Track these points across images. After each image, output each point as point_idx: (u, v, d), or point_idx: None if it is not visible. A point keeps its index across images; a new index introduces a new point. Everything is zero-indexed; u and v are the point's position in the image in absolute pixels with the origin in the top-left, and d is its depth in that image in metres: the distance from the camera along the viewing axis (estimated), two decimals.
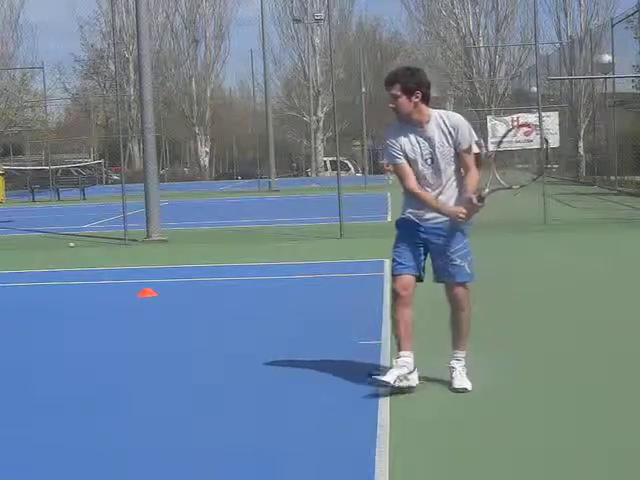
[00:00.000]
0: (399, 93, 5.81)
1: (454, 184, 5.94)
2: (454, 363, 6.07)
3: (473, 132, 5.96)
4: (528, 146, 30.01)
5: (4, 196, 37.17)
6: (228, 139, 63.89)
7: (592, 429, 5.15)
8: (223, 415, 5.69)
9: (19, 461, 4.98)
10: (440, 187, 5.92)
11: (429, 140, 5.87)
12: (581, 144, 36.21)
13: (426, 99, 5.87)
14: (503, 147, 30.43)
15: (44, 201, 35.99)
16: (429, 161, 5.89)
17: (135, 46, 43.52)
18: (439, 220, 5.91)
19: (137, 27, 18.73)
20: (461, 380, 5.99)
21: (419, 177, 5.92)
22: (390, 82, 5.87)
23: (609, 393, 5.87)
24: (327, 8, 25.23)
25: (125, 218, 17.39)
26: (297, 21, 59.23)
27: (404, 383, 5.77)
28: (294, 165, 53.84)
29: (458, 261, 5.97)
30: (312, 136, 59.11)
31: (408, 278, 5.91)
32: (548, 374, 6.36)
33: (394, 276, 5.94)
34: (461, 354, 6.12)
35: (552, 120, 29.30)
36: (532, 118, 28.25)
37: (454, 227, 5.91)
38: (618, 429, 5.13)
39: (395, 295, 5.92)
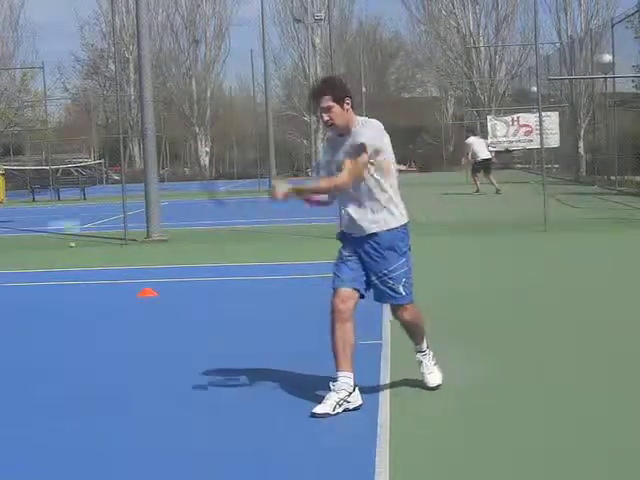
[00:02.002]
0: (332, 104, 5.52)
1: (374, 194, 5.61)
2: (419, 356, 6.00)
3: (366, 137, 5.50)
4: (529, 146, 30.09)
5: (4, 196, 37.13)
6: (228, 139, 63.85)
7: (592, 429, 5.15)
8: (223, 415, 5.69)
9: (19, 461, 4.98)
10: (359, 197, 5.63)
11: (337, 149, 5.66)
12: (581, 144, 36.19)
13: (353, 106, 5.60)
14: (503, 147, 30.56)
15: (44, 201, 35.99)
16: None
17: (135, 46, 43.50)
18: (364, 233, 5.64)
19: (137, 27, 18.72)
20: (431, 376, 5.95)
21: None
22: (318, 95, 5.58)
23: (609, 393, 5.87)
24: (327, 8, 25.22)
25: (125, 218, 17.38)
26: (297, 21, 59.18)
27: (344, 407, 5.52)
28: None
29: (391, 282, 5.65)
30: (312, 136, 59.09)
31: (346, 292, 5.62)
32: (548, 374, 6.36)
33: (333, 290, 5.69)
34: (423, 345, 6.01)
35: (552, 120, 29.34)
36: (532, 118, 28.31)
37: (387, 244, 5.61)
38: (618, 429, 5.13)
39: (332, 309, 5.64)
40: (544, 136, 20.65)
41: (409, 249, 5.73)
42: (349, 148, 5.55)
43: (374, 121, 5.68)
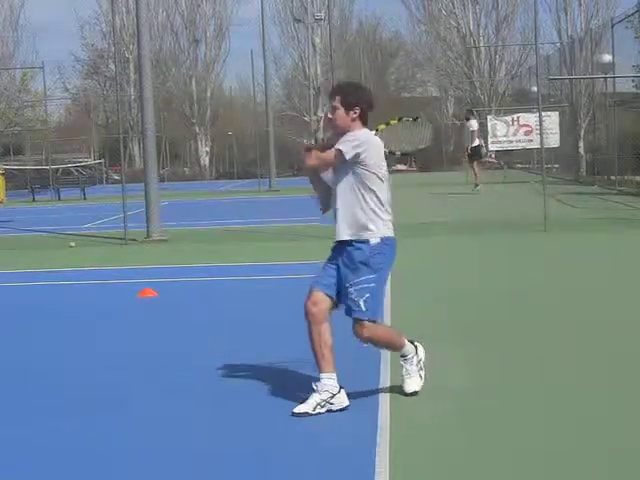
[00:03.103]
0: (338, 105, 5.67)
1: (357, 203, 5.61)
2: (400, 360, 5.89)
3: (350, 145, 5.55)
4: (529, 146, 30.07)
5: (4, 196, 37.12)
6: (228, 139, 63.85)
7: (592, 429, 5.15)
8: (223, 415, 5.69)
9: (19, 461, 4.98)
10: (344, 202, 5.66)
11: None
12: (581, 144, 36.17)
13: (363, 118, 5.71)
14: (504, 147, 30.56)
15: (44, 201, 35.99)
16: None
17: (135, 46, 43.48)
18: (339, 238, 5.65)
19: (137, 27, 18.72)
20: (409, 381, 5.82)
21: None
22: (332, 93, 5.77)
23: (609, 393, 5.87)
24: (327, 8, 25.22)
25: (125, 218, 17.38)
26: (297, 21, 59.18)
27: (326, 408, 5.52)
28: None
29: (354, 295, 5.58)
30: (312, 136, 59.08)
31: (318, 294, 5.66)
32: (548, 374, 6.36)
33: (309, 292, 5.73)
34: (405, 351, 5.86)
35: (552, 120, 29.32)
36: (532, 118, 28.30)
37: (361, 256, 5.56)
38: (618, 429, 5.13)
39: (305, 312, 5.71)
40: (544, 136, 20.62)
41: (387, 266, 5.66)
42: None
43: (365, 135, 5.67)
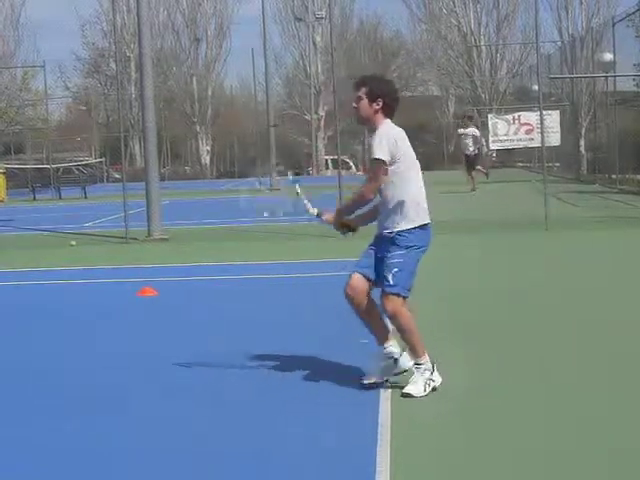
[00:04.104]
0: (363, 96, 5.97)
1: (392, 197, 5.92)
2: (414, 368, 5.99)
3: (382, 149, 5.84)
4: (530, 144, 30.04)
5: (5, 195, 37.16)
6: (229, 138, 63.85)
7: (592, 429, 5.14)
8: (223, 415, 5.68)
9: (19, 461, 4.98)
10: (383, 199, 6.02)
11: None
12: (582, 142, 36.15)
13: (387, 110, 5.98)
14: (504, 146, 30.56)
15: (45, 200, 35.98)
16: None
17: (136, 44, 43.48)
18: (381, 231, 6.04)
19: (138, 25, 18.72)
20: (411, 385, 5.89)
21: None
22: (358, 84, 6.05)
23: (609, 393, 5.87)
24: (328, 7, 25.20)
25: (126, 217, 17.38)
26: (298, 20, 59.15)
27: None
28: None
29: (385, 270, 5.91)
30: (313, 134, 59.07)
31: (354, 277, 6.01)
32: (548, 373, 6.36)
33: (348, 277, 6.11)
34: (417, 360, 5.98)
35: (553, 118, 29.28)
36: (533, 117, 28.27)
37: (394, 240, 5.92)
38: (618, 429, 5.12)
39: (345, 296, 6.04)
40: (545, 135, 20.61)
41: (417, 249, 5.91)
42: (369, 155, 5.99)
43: (390, 130, 5.95)
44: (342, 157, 23.67)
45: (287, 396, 5.99)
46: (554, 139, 28.85)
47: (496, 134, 29.83)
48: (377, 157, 5.82)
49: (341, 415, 5.52)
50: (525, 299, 9.39)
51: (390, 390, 5.96)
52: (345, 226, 6.20)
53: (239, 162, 62.25)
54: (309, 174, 56.36)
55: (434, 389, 5.91)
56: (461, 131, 29.52)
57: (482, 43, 54.38)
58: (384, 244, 5.95)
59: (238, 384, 6.39)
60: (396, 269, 5.84)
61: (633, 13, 27.96)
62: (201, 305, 9.97)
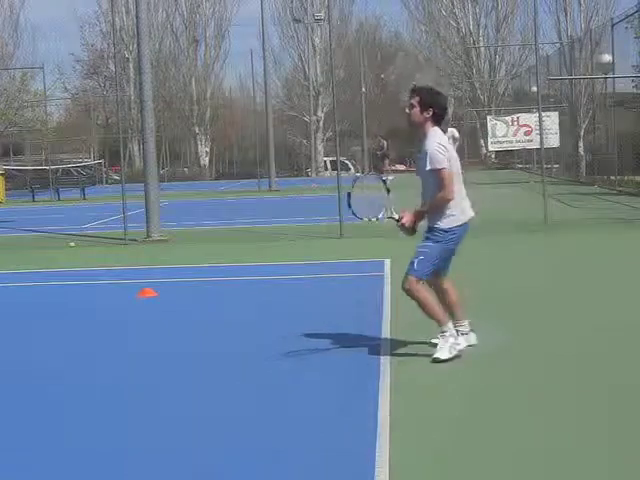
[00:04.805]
0: (415, 104, 6.73)
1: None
2: (439, 335, 6.75)
3: (438, 159, 6.65)
4: (528, 146, 30.09)
5: (4, 196, 37.11)
6: (228, 139, 63.85)
7: (592, 429, 5.15)
8: (223, 415, 5.68)
9: (19, 461, 4.98)
10: (424, 199, 6.86)
11: (422, 157, 6.77)
12: (581, 144, 36.18)
13: (436, 119, 6.74)
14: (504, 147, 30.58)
15: (44, 201, 35.99)
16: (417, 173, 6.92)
17: (135, 46, 43.48)
18: (428, 224, 6.85)
19: (137, 27, 18.72)
20: (436, 353, 6.65)
21: None
22: (413, 92, 6.86)
23: (609, 392, 5.87)
24: (327, 8, 25.21)
25: (125, 218, 17.39)
26: (297, 21, 59.14)
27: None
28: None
29: (414, 255, 6.77)
30: (312, 136, 59.09)
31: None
32: (547, 373, 6.37)
33: None
34: (442, 328, 6.73)
35: (552, 120, 29.35)
36: (532, 118, 28.30)
37: (431, 230, 6.79)
38: (619, 429, 5.13)
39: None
40: (544, 136, 20.63)
41: (445, 244, 6.73)
42: (425, 164, 6.69)
43: (442, 139, 6.73)
44: (341, 159, 23.65)
45: (287, 396, 5.99)
46: (553, 140, 28.91)
47: (495, 135, 29.88)
48: (442, 167, 6.63)
49: (341, 416, 5.52)
50: (524, 300, 9.39)
51: (390, 390, 5.96)
52: (413, 229, 6.85)
53: (238, 163, 62.24)
54: (308, 175, 56.39)
55: (458, 354, 6.67)
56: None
57: (481, 44, 54.42)
58: (424, 233, 6.79)
59: (238, 383, 6.39)
60: (422, 257, 6.70)
61: (632, 14, 27.97)
62: (200, 305, 9.97)
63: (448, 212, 6.71)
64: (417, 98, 6.74)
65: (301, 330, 8.04)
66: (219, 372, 6.77)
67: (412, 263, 6.74)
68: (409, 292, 6.74)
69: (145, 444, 5.19)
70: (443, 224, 6.73)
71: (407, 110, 6.80)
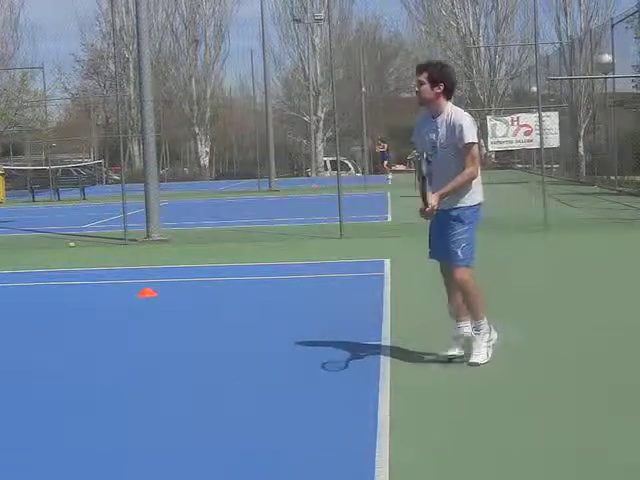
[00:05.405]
0: (425, 80, 6.46)
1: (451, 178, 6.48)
2: (474, 332, 6.59)
3: (473, 133, 6.42)
4: (528, 146, 30.06)
5: (4, 196, 37.13)
6: (228, 139, 63.82)
7: (593, 429, 5.15)
8: (223, 415, 5.69)
9: (19, 461, 4.98)
10: (437, 181, 6.43)
11: (436, 133, 6.48)
12: (581, 144, 36.17)
13: (448, 94, 6.49)
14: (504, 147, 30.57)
15: (44, 201, 35.98)
16: (432, 155, 6.46)
17: (135, 46, 43.49)
18: (445, 208, 6.54)
19: (137, 27, 18.71)
20: (474, 356, 6.51)
21: None
22: (420, 69, 6.54)
23: (609, 392, 5.87)
24: (327, 8, 25.21)
25: (125, 218, 17.38)
26: (297, 21, 59.11)
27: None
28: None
29: (452, 246, 6.56)
30: (312, 136, 59.07)
31: (441, 266, 6.93)
32: (547, 373, 6.37)
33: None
34: (477, 322, 6.60)
35: (552, 120, 29.28)
36: (532, 118, 28.28)
37: (455, 216, 6.55)
38: (619, 431, 5.13)
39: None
40: (544, 136, 20.60)
41: (476, 222, 6.63)
42: (452, 138, 6.41)
43: (467, 116, 6.52)
44: (341, 159, 23.66)
45: (287, 396, 5.99)
46: (553, 140, 28.85)
47: (495, 135, 29.84)
48: (472, 141, 6.39)
49: (340, 415, 5.52)
50: (524, 300, 9.39)
51: (389, 390, 5.96)
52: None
53: (238, 163, 62.22)
54: (308, 175, 56.37)
55: (492, 348, 6.61)
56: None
57: (481, 44, 54.40)
58: (446, 220, 6.53)
59: (239, 384, 6.39)
60: (464, 244, 6.55)
61: (632, 14, 27.97)
62: (201, 305, 9.97)
63: (472, 190, 6.54)
64: (425, 74, 6.47)
65: (301, 330, 8.04)
66: (219, 372, 6.77)
67: (455, 253, 6.54)
68: (462, 282, 6.58)
69: (145, 444, 5.19)
70: (469, 201, 6.55)
71: (417, 88, 6.54)
